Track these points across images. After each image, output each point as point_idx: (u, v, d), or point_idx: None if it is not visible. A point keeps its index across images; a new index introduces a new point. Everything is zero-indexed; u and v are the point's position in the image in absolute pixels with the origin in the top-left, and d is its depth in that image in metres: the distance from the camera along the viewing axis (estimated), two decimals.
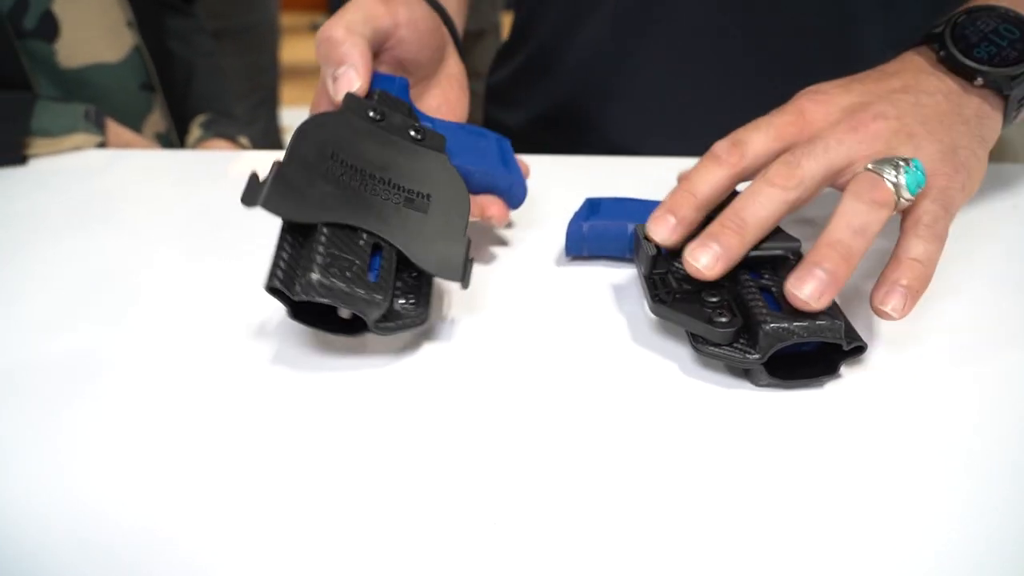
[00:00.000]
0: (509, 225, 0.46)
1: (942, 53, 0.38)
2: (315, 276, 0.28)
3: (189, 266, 0.42)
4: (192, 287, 0.39)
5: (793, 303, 0.30)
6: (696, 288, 0.33)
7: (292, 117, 0.82)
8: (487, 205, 0.40)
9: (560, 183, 0.51)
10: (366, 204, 0.32)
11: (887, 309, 0.31)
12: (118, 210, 0.50)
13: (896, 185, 0.31)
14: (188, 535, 0.25)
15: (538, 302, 0.38)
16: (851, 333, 0.31)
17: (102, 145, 0.62)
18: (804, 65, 0.56)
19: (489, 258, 0.43)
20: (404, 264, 0.32)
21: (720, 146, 0.35)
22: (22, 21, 0.63)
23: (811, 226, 0.43)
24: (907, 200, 0.32)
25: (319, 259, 0.29)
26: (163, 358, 0.33)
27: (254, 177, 0.30)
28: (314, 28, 4.72)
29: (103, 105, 0.64)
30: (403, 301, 0.32)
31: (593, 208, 0.41)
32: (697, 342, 0.32)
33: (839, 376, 0.32)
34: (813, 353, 0.32)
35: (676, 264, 0.35)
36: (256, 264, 0.39)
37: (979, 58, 0.37)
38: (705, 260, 0.32)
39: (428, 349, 0.34)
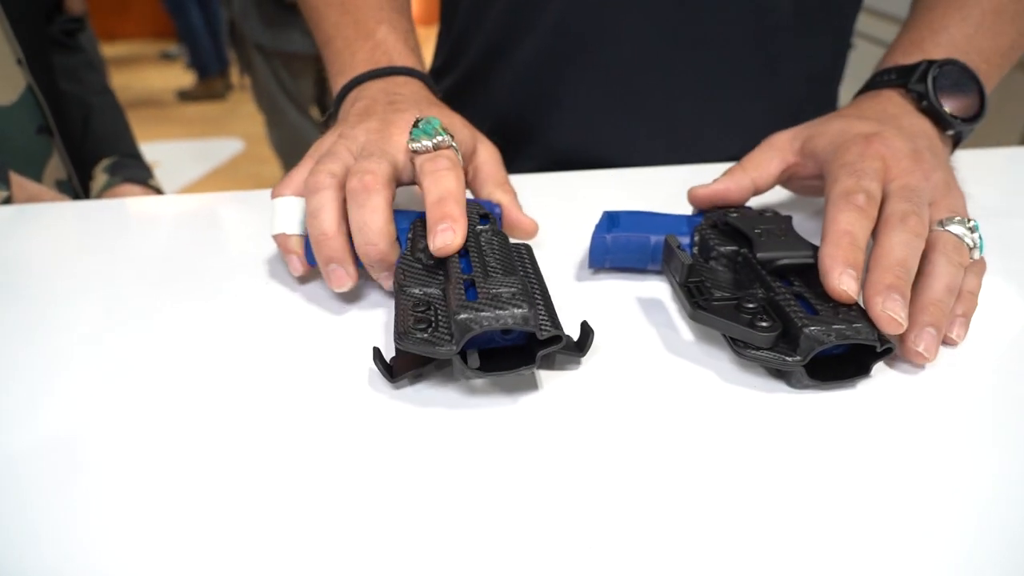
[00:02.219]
0: None
1: (924, 104, 0.44)
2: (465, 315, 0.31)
3: (119, 325, 0.39)
4: (125, 345, 0.37)
5: (913, 358, 0.35)
6: (733, 296, 0.35)
7: (150, 152, 0.77)
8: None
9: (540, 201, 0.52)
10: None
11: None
12: (35, 271, 0.44)
13: (971, 248, 0.38)
14: None
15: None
16: (881, 336, 0.33)
17: (7, 201, 0.55)
18: (732, 76, 0.61)
19: None
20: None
21: (859, 199, 0.37)
22: None
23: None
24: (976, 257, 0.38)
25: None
26: (109, 422, 0.32)
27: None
28: (164, 56, 4.47)
29: None
30: None
31: (613, 221, 0.42)
32: (738, 346, 0.33)
33: (870, 376, 0.34)
34: (844, 356, 0.34)
35: (709, 272, 0.37)
36: (188, 312, 0.39)
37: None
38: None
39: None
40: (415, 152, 0.40)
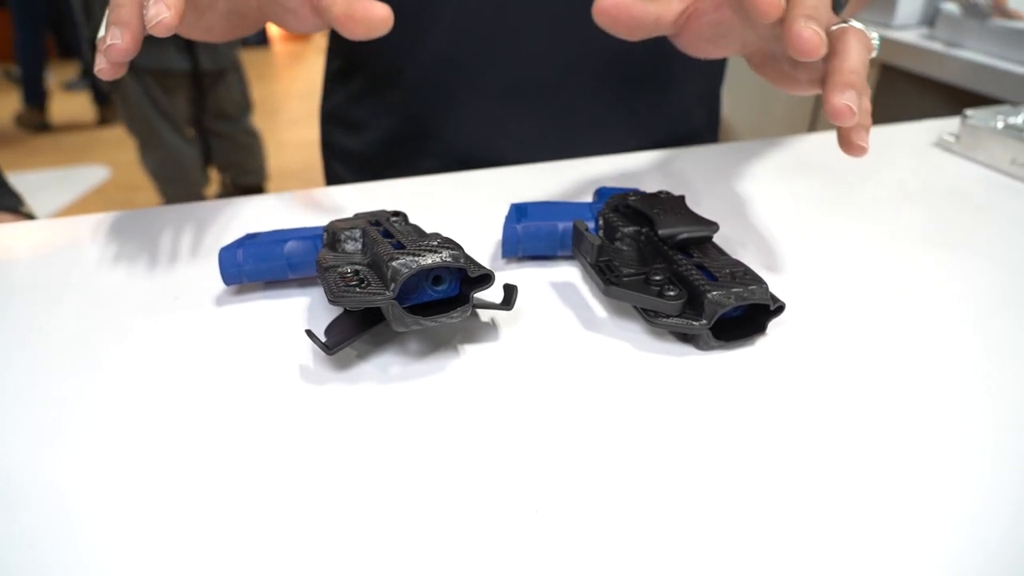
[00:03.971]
0: None
1: None
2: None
3: (16, 362, 0.37)
4: (30, 382, 0.35)
5: (840, 115, 0.35)
6: (640, 271, 0.38)
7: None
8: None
9: (459, 199, 0.53)
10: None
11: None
12: None
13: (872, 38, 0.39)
14: None
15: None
16: (774, 296, 0.37)
17: None
18: (622, 70, 0.64)
19: None
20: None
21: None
22: None
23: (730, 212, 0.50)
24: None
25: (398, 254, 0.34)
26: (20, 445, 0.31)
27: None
28: (6, 76, 4.10)
29: None
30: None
31: (520, 212, 0.44)
32: (649, 316, 0.36)
33: (766, 334, 0.38)
34: (743, 317, 0.38)
35: (616, 252, 0.39)
36: (88, 344, 0.38)
37: None
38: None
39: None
40: None
